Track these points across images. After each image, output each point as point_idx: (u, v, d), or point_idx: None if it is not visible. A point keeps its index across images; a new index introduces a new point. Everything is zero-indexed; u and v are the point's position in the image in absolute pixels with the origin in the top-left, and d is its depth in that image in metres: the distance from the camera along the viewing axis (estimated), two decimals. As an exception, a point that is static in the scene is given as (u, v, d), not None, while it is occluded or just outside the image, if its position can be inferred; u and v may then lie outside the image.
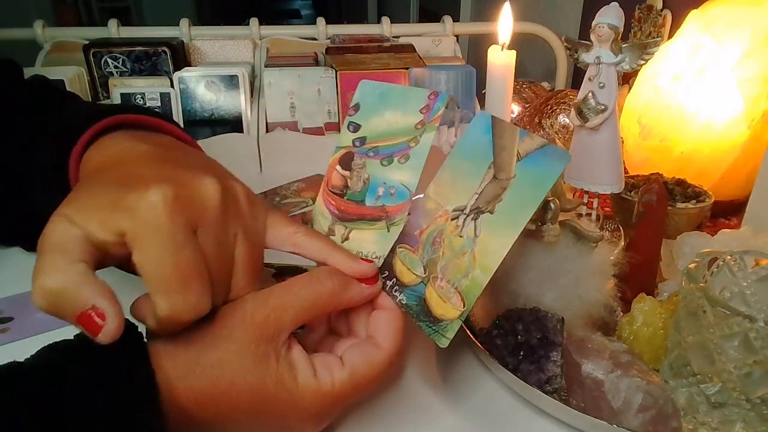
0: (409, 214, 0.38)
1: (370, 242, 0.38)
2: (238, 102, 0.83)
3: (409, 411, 0.40)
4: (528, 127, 0.85)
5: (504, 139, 0.36)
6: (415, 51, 0.92)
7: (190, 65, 0.93)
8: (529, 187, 0.34)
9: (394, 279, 0.37)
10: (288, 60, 0.92)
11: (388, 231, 0.38)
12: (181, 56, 0.91)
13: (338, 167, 0.41)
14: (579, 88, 0.51)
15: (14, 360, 0.28)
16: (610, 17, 0.46)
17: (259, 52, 0.96)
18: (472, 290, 0.35)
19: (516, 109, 0.93)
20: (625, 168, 0.57)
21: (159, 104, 0.82)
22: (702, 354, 0.37)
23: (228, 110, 0.83)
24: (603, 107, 0.48)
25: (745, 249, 0.40)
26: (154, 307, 0.29)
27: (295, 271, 0.41)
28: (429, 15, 2.55)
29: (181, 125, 0.81)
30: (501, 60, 0.54)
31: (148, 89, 0.82)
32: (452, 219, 0.37)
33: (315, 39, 1.04)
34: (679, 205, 0.56)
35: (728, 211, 0.66)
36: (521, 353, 0.40)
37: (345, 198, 0.40)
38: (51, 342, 0.29)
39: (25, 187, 0.46)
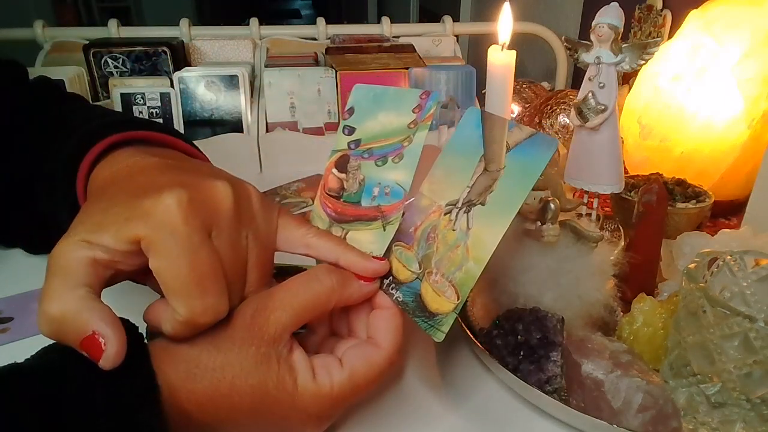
0: (404, 213, 0.38)
1: (367, 242, 0.38)
2: (238, 102, 0.83)
3: (409, 411, 0.40)
4: (528, 127, 0.85)
5: (494, 132, 0.37)
6: (415, 51, 0.92)
7: (190, 65, 0.93)
8: (519, 176, 0.35)
9: (391, 277, 0.37)
10: (288, 60, 0.92)
11: (384, 230, 0.38)
12: (181, 56, 0.91)
13: (334, 170, 0.41)
14: (579, 88, 0.51)
15: (14, 361, 0.28)
16: (610, 17, 0.46)
17: (259, 52, 0.96)
18: (465, 282, 0.35)
19: (516, 109, 0.93)
20: (625, 168, 0.57)
21: (159, 104, 0.82)
22: (702, 354, 0.37)
23: (228, 110, 0.83)
24: (603, 107, 0.48)
25: (745, 249, 0.40)
26: (172, 311, 0.29)
27: (295, 271, 0.40)
28: (429, 15, 2.55)
29: (182, 130, 0.82)
30: (501, 60, 0.54)
31: (148, 89, 0.82)
32: (445, 213, 0.37)
33: (315, 39, 1.04)
34: (679, 205, 0.56)
35: (728, 211, 0.66)
36: (521, 353, 0.40)
37: (341, 200, 0.41)
38: (51, 342, 0.29)
39: (30, 193, 0.46)
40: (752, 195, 0.55)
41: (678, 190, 0.58)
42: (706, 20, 0.66)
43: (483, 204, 0.35)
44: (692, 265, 0.39)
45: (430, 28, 1.08)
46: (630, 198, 0.57)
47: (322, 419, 0.34)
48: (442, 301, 0.35)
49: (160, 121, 0.82)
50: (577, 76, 1.15)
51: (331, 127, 0.85)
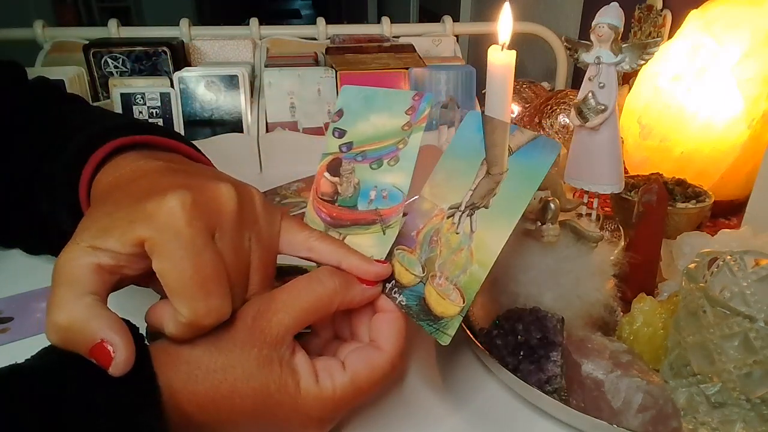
0: (404, 215, 0.38)
1: (367, 246, 0.38)
2: (238, 102, 0.83)
3: (409, 411, 0.40)
4: (528, 127, 0.85)
5: (495, 136, 0.37)
6: (415, 51, 0.92)
7: (190, 65, 0.93)
8: (522, 179, 0.35)
9: (393, 281, 0.37)
10: (288, 60, 0.92)
11: (384, 234, 0.38)
12: (181, 56, 0.91)
13: (326, 174, 0.41)
14: (579, 88, 0.51)
15: (14, 361, 0.28)
16: (610, 17, 0.46)
17: (259, 52, 0.96)
18: (470, 285, 0.35)
19: (516, 109, 0.93)
20: (625, 168, 0.57)
21: (159, 104, 0.82)
22: (702, 354, 0.37)
23: (228, 110, 0.83)
24: (603, 107, 0.48)
25: (745, 249, 0.40)
26: (175, 313, 0.29)
27: (295, 271, 0.40)
28: (429, 15, 2.55)
29: (182, 130, 0.82)
30: (501, 60, 0.54)
31: (148, 89, 0.82)
32: (448, 217, 0.37)
33: (315, 39, 1.04)
34: (679, 205, 0.56)
35: (728, 211, 0.66)
36: (521, 353, 0.40)
37: (336, 204, 0.40)
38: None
39: (29, 194, 0.46)
40: (752, 195, 0.55)
41: (678, 190, 0.58)
42: (706, 20, 0.66)
43: (486, 207, 0.35)
44: (692, 265, 0.39)
45: (430, 28, 1.08)
46: (630, 198, 0.57)
47: (324, 422, 0.34)
48: (447, 305, 0.35)
49: (160, 121, 0.82)
50: (577, 76, 1.15)
51: (331, 127, 0.85)
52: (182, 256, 0.29)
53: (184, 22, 0.98)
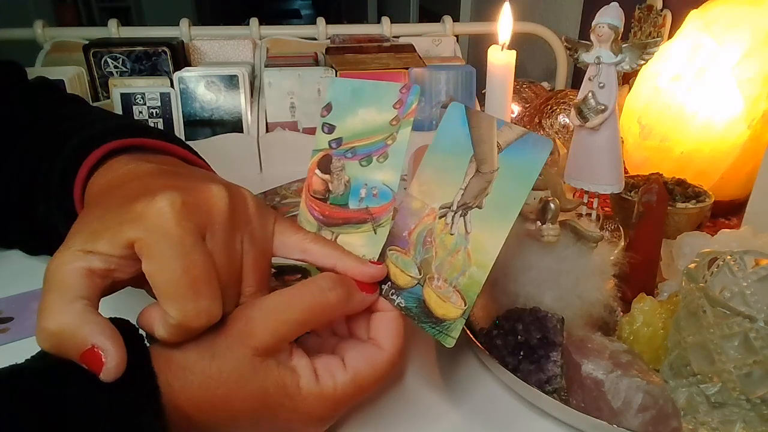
0: (393, 216, 0.38)
1: (358, 246, 0.38)
2: (238, 102, 0.83)
3: (409, 411, 0.40)
4: (528, 127, 0.85)
5: (481, 131, 0.36)
6: (415, 51, 0.92)
7: (190, 65, 0.93)
8: (515, 179, 0.34)
9: (389, 282, 0.37)
10: (288, 60, 0.92)
11: (375, 233, 0.38)
12: (181, 56, 0.91)
13: (317, 171, 0.40)
14: (579, 88, 0.51)
15: (14, 361, 0.28)
16: (610, 17, 0.46)
17: (259, 52, 0.96)
18: (471, 288, 0.34)
19: (516, 109, 0.93)
20: (625, 168, 0.57)
21: (159, 104, 0.82)
22: (702, 354, 0.37)
23: (228, 110, 0.83)
24: (603, 107, 0.48)
25: (745, 249, 0.40)
26: (164, 315, 0.29)
27: (294, 270, 0.40)
28: (429, 15, 2.55)
29: (182, 130, 0.82)
30: (501, 60, 0.54)
31: (148, 89, 0.82)
32: (440, 217, 0.36)
33: (315, 39, 1.03)
34: (679, 205, 0.56)
35: (728, 211, 0.66)
36: (521, 353, 0.40)
37: (328, 202, 0.40)
38: None
39: (28, 196, 0.46)
40: (752, 195, 0.55)
41: (678, 190, 0.58)
42: (706, 20, 0.66)
43: (480, 207, 0.35)
44: (692, 265, 0.39)
45: (430, 28, 1.08)
46: (630, 198, 0.57)
47: (324, 420, 0.34)
48: (449, 307, 0.35)
49: (160, 120, 0.82)
50: (577, 76, 1.15)
51: (331, 127, 0.85)
52: (171, 256, 0.29)
53: (184, 22, 0.98)
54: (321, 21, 1.04)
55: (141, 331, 0.31)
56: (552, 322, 0.40)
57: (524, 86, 0.98)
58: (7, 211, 0.50)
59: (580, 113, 0.49)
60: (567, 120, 0.80)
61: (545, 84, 1.03)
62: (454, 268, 0.35)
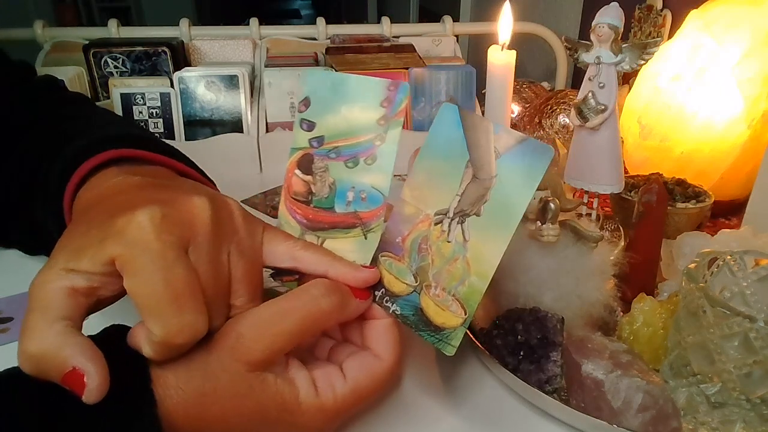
0: (385, 220, 0.36)
1: (347, 251, 0.37)
2: (238, 102, 0.83)
3: (408, 411, 0.40)
4: (528, 127, 0.85)
5: (477, 135, 0.34)
6: (415, 51, 0.92)
7: (190, 65, 0.93)
8: (514, 187, 0.33)
9: (383, 289, 0.36)
10: (288, 60, 0.92)
11: (366, 238, 0.36)
12: (181, 56, 0.91)
13: (298, 172, 0.38)
14: (579, 88, 0.51)
15: (15, 362, 0.28)
16: (610, 17, 0.46)
17: (259, 52, 0.96)
18: (471, 297, 0.34)
19: (516, 109, 0.93)
20: (625, 168, 0.57)
21: (159, 104, 0.82)
22: (702, 354, 0.37)
23: (228, 110, 0.83)
24: (603, 107, 0.48)
25: (745, 249, 0.40)
26: (148, 332, 0.28)
27: (292, 271, 0.40)
28: (429, 15, 2.55)
29: (182, 130, 0.81)
30: (501, 60, 0.54)
31: (148, 89, 0.82)
32: (436, 223, 0.35)
33: (315, 39, 1.03)
34: (679, 205, 0.56)
35: (728, 211, 0.66)
36: (521, 353, 0.40)
37: (312, 205, 0.38)
38: None
39: (29, 197, 0.46)
40: (752, 195, 0.55)
41: (678, 190, 0.58)
42: (706, 20, 0.66)
43: (478, 215, 0.34)
44: (692, 265, 0.39)
45: (430, 28, 1.08)
46: (630, 198, 0.57)
47: (324, 430, 0.34)
48: (448, 316, 0.34)
49: (160, 121, 0.82)
50: (577, 76, 1.15)
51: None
52: (152, 271, 0.28)
53: (184, 22, 0.98)
54: (321, 21, 1.04)
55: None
56: (552, 322, 0.40)
57: (524, 86, 0.98)
58: (6, 211, 0.50)
59: (580, 113, 0.49)
60: (567, 120, 0.80)
61: (545, 84, 1.03)
62: (453, 276, 0.34)
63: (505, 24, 0.54)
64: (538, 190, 0.43)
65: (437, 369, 0.44)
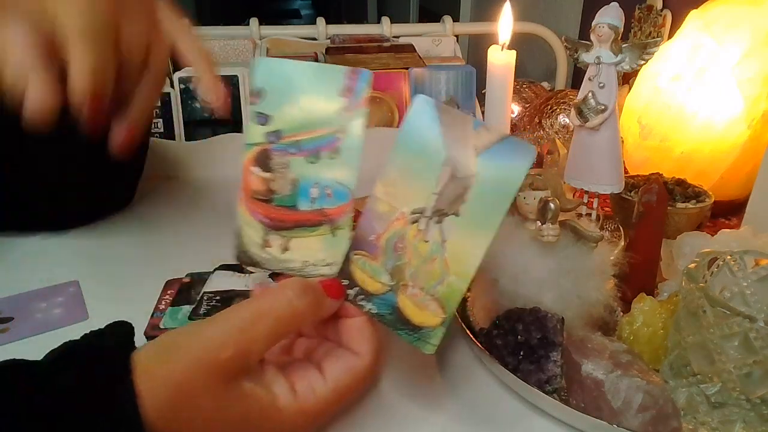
0: (354, 218, 0.35)
1: (316, 250, 0.36)
2: (238, 102, 0.83)
3: (408, 411, 0.40)
4: (528, 127, 0.85)
5: (455, 131, 0.33)
6: (415, 51, 0.92)
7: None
8: (494, 187, 0.32)
9: (357, 288, 0.36)
10: (288, 60, 0.92)
11: (334, 236, 0.36)
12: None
13: (255, 169, 0.36)
14: (579, 88, 0.51)
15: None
16: (610, 17, 0.46)
17: (259, 52, 0.96)
18: (451, 297, 0.33)
19: (516, 109, 0.93)
20: (625, 168, 0.57)
21: (159, 104, 0.82)
22: (702, 354, 0.37)
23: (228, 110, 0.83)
24: (603, 107, 0.48)
25: (745, 249, 0.40)
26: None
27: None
28: (429, 15, 2.55)
29: (182, 130, 0.81)
30: (501, 60, 0.54)
31: (148, 89, 0.82)
32: (412, 222, 0.34)
33: (315, 39, 1.03)
34: (679, 205, 0.56)
35: (728, 211, 0.66)
36: (521, 353, 0.40)
37: (274, 204, 0.36)
38: (52, 346, 0.29)
39: None
40: (752, 195, 0.55)
41: (678, 190, 0.58)
42: (706, 20, 0.66)
43: (457, 215, 0.33)
44: (692, 265, 0.39)
45: (430, 28, 1.08)
46: (630, 198, 0.57)
47: (310, 426, 0.34)
48: (427, 315, 0.34)
49: (161, 120, 0.82)
50: (577, 76, 1.15)
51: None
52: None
53: (184, 22, 0.98)
54: (321, 21, 1.04)
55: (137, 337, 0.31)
56: (552, 322, 0.40)
57: (524, 86, 0.97)
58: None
59: (580, 113, 0.49)
60: (567, 120, 0.80)
61: (545, 84, 1.03)
62: (431, 276, 0.34)
63: (505, 24, 0.54)
64: (538, 190, 0.43)
65: (437, 369, 0.44)
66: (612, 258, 0.45)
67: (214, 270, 0.51)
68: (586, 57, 0.49)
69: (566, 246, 0.43)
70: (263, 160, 0.36)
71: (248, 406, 0.31)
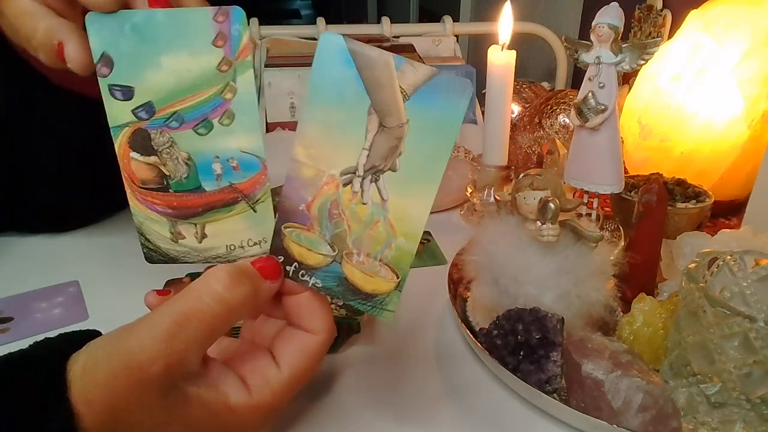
0: (279, 187, 0.32)
1: (239, 230, 0.33)
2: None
3: (408, 412, 0.40)
4: (528, 127, 0.85)
5: (376, 73, 0.28)
6: (415, 51, 0.92)
7: (190, 65, 0.93)
8: (432, 132, 0.28)
9: (296, 263, 0.32)
10: (288, 60, 0.92)
11: (255, 211, 0.33)
12: (181, 56, 0.91)
13: (135, 155, 0.31)
14: (579, 88, 0.51)
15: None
16: (610, 17, 0.46)
17: (259, 52, 0.96)
18: (401, 259, 0.31)
19: (516, 109, 0.93)
20: (625, 168, 0.57)
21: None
22: (702, 354, 0.37)
23: (228, 110, 0.83)
24: (603, 107, 0.48)
25: (745, 249, 0.40)
26: None
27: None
28: (429, 15, 2.55)
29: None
30: (501, 60, 0.54)
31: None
32: (344, 185, 0.30)
33: (315, 39, 1.04)
34: (679, 205, 0.56)
35: (728, 211, 0.66)
36: (521, 353, 0.40)
37: (171, 191, 0.32)
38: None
39: None
40: (752, 195, 0.55)
41: (678, 190, 0.58)
42: (706, 20, 0.66)
43: (394, 170, 0.29)
44: (692, 265, 0.39)
45: (430, 28, 1.08)
46: (630, 198, 0.57)
47: (267, 420, 0.32)
48: (378, 282, 0.31)
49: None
50: (577, 76, 1.15)
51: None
52: None
53: (184, 22, 0.98)
54: (321, 21, 1.04)
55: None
56: (552, 322, 0.40)
57: (524, 86, 0.97)
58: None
59: (580, 113, 0.49)
60: (567, 120, 0.80)
61: (545, 84, 1.03)
62: (377, 241, 0.31)
63: (505, 24, 0.54)
64: (537, 190, 0.43)
65: (437, 369, 0.44)
66: (612, 258, 0.45)
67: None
68: (586, 57, 0.49)
69: (566, 246, 0.43)
70: (141, 143, 0.31)
71: (195, 412, 0.28)
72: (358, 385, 0.41)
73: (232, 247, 0.33)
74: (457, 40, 1.05)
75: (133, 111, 0.30)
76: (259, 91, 0.86)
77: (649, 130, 0.70)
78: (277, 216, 0.32)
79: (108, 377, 0.27)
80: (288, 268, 0.32)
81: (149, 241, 0.33)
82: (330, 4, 5.92)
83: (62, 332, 0.30)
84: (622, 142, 0.64)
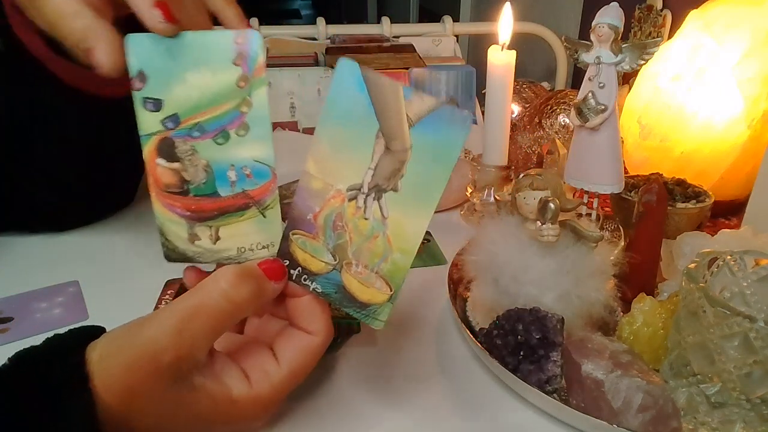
0: (289, 196, 0.35)
1: (248, 234, 0.35)
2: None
3: (408, 412, 0.40)
4: (528, 127, 0.85)
5: (386, 100, 0.31)
6: (415, 51, 0.92)
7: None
8: (432, 160, 0.31)
9: (300, 268, 0.35)
10: (288, 60, 0.92)
11: (265, 217, 0.35)
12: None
13: (161, 161, 0.34)
14: (579, 88, 0.51)
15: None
16: (610, 17, 0.46)
17: (259, 52, 0.96)
18: (396, 274, 0.33)
19: (516, 109, 0.93)
20: (625, 168, 0.57)
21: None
22: (702, 354, 0.37)
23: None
24: (603, 107, 0.48)
25: (745, 249, 0.40)
26: None
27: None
28: (429, 15, 2.55)
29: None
30: (501, 60, 0.54)
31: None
32: (350, 200, 0.33)
33: (315, 39, 1.04)
34: (679, 205, 0.56)
35: (728, 211, 0.66)
36: (521, 353, 0.40)
37: (191, 195, 0.35)
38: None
39: None
40: (752, 195, 0.55)
41: (678, 190, 0.58)
42: (706, 20, 0.66)
43: (395, 191, 0.32)
44: (692, 265, 0.39)
45: (430, 28, 1.08)
46: (630, 198, 0.57)
47: (267, 414, 0.34)
48: (373, 293, 0.34)
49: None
50: (577, 76, 1.15)
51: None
52: None
53: (184, 22, 0.98)
54: (321, 21, 1.04)
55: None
56: (552, 322, 0.40)
57: (524, 86, 0.97)
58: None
59: (580, 113, 0.49)
60: (567, 120, 0.80)
61: (545, 84, 1.03)
62: (375, 254, 0.33)
63: (505, 24, 0.54)
64: (537, 190, 0.43)
65: (437, 369, 0.44)
66: (612, 258, 0.45)
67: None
68: (586, 57, 0.49)
69: (566, 246, 0.43)
70: (166, 150, 0.34)
71: (200, 401, 0.30)
72: (357, 384, 0.42)
73: (243, 250, 0.35)
74: (457, 40, 1.06)
75: (161, 121, 0.33)
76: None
77: (649, 130, 0.70)
78: (286, 222, 0.34)
79: (122, 368, 0.29)
80: (292, 271, 0.35)
81: (169, 241, 0.36)
82: (330, 4, 5.92)
83: (71, 328, 0.31)
84: (622, 142, 0.63)
